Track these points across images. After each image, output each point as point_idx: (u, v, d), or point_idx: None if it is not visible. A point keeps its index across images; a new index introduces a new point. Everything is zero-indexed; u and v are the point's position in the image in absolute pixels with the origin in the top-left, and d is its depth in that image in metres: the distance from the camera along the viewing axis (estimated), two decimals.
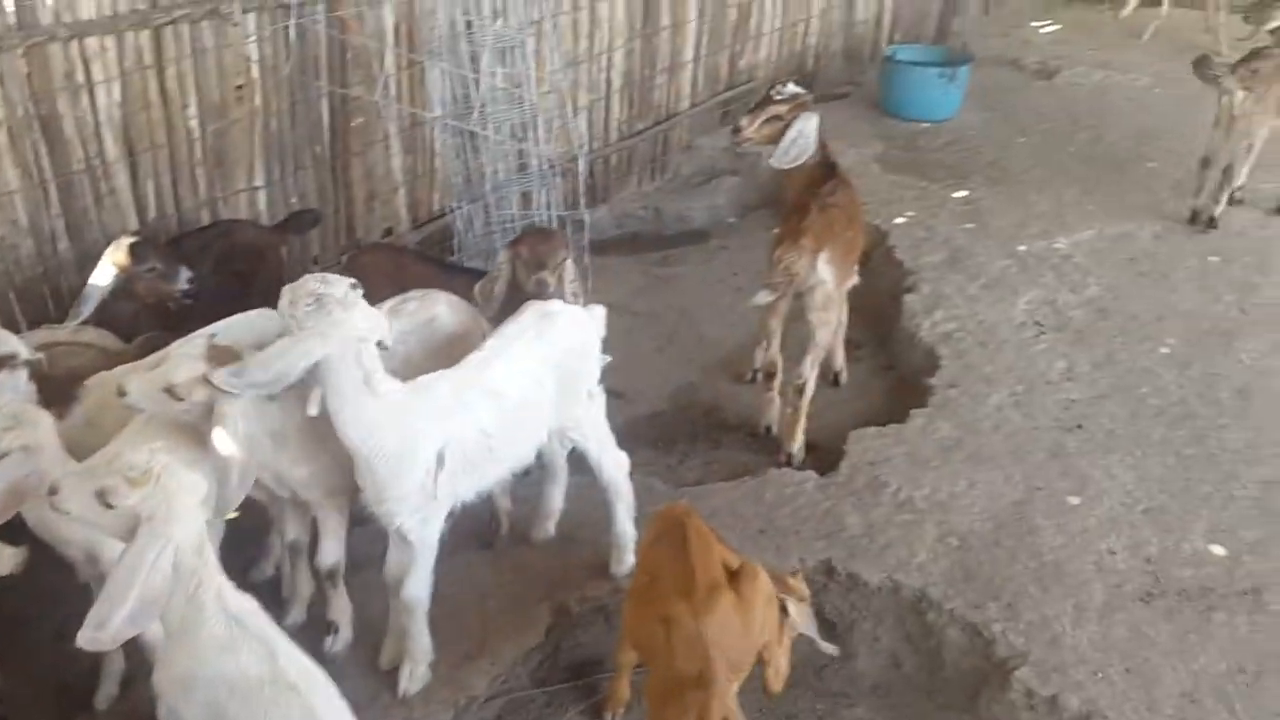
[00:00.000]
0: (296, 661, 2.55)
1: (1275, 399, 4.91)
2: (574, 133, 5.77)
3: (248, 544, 3.77)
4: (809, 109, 4.75)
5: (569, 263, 4.00)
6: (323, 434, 3.27)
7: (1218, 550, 4.07)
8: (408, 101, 5.42)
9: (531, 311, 3.55)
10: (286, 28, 4.71)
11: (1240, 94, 6.06)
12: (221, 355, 3.00)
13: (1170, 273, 5.96)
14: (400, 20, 5.23)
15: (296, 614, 3.72)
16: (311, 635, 3.37)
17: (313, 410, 3.05)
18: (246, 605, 2.55)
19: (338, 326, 2.94)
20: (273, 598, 3.66)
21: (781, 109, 4.76)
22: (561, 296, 3.83)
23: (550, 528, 4.10)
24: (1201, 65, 6.12)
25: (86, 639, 2.37)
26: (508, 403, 3.38)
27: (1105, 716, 3.41)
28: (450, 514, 3.47)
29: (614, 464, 3.85)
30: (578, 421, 3.68)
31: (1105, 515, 4.22)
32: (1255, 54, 6.18)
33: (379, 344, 3.07)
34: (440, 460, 3.21)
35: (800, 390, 4.66)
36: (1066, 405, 4.86)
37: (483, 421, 3.32)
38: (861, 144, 7.53)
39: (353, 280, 3.07)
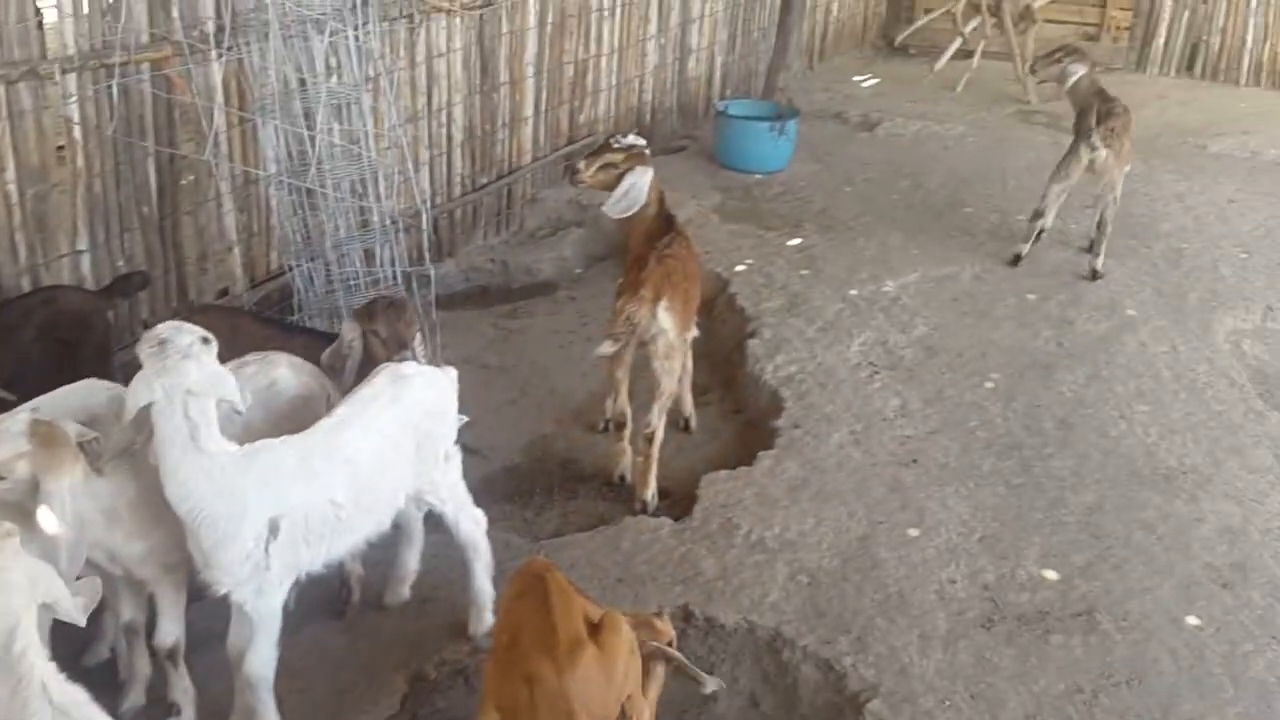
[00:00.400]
0: None
1: (1094, 428, 5.24)
2: (416, 188, 5.74)
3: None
4: (645, 162, 4.86)
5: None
6: (157, 508, 3.14)
7: (1050, 575, 4.30)
8: (240, 159, 5.29)
9: (385, 375, 3.50)
10: (109, 88, 4.55)
11: (1104, 152, 6.54)
12: (44, 431, 2.87)
13: (991, 311, 6.31)
14: (230, 77, 5.11)
15: (135, 697, 3.52)
16: (152, 718, 3.21)
17: (152, 458, 2.97)
18: (74, 696, 2.42)
19: (167, 374, 2.89)
20: (109, 681, 3.47)
21: (617, 158, 4.87)
22: (415, 358, 3.79)
23: (405, 591, 4.01)
24: (1082, 128, 6.66)
25: None
26: (361, 472, 3.30)
27: None
28: (296, 583, 3.37)
29: (471, 522, 3.81)
30: (435, 484, 3.63)
31: (944, 545, 4.41)
32: (1109, 114, 6.63)
33: (234, 409, 3.03)
34: (274, 529, 3.11)
35: (650, 439, 4.72)
36: (902, 441, 5.07)
37: (332, 491, 3.24)
38: (700, 195, 7.74)
39: (205, 334, 3.02)
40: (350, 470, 3.28)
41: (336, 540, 3.33)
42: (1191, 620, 4.07)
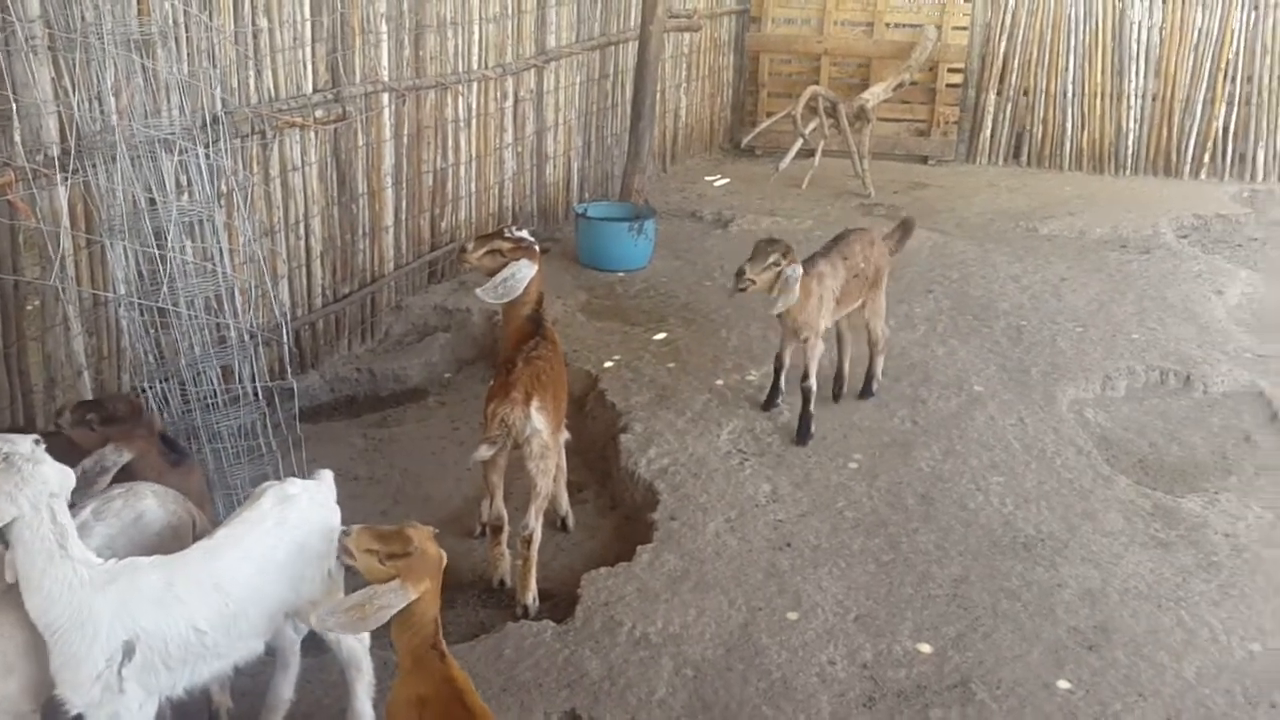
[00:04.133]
0: None
1: (954, 500, 5.44)
2: (275, 301, 5.66)
3: None
4: (531, 257, 5.00)
5: None
6: (7, 655, 2.98)
7: (925, 648, 4.40)
8: (89, 282, 5.14)
9: (271, 495, 3.43)
10: None
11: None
12: None
13: (848, 394, 6.53)
14: (76, 200, 4.99)
15: None
16: None
17: (9, 577, 2.87)
18: None
19: (28, 484, 2.82)
20: None
21: (505, 245, 5.03)
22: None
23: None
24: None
25: None
26: (233, 599, 3.21)
27: None
28: (161, 714, 3.21)
29: (355, 639, 3.68)
30: (315, 603, 3.50)
31: (821, 627, 4.49)
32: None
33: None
34: (129, 652, 2.99)
35: (529, 541, 4.69)
36: (775, 525, 5.17)
37: (196, 618, 3.13)
38: (566, 295, 7.85)
39: (36, 436, 2.95)
40: (220, 598, 3.18)
41: (201, 666, 3.21)
42: (1062, 684, 4.22)
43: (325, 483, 3.66)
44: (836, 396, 6.43)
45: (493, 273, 4.97)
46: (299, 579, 3.40)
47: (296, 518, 3.41)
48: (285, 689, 3.83)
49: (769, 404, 6.26)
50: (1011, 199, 11.17)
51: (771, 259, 5.62)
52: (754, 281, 5.63)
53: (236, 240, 5.33)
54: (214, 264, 4.79)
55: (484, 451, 4.62)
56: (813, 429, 5.96)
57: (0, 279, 4.70)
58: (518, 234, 5.10)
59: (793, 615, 4.55)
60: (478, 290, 4.99)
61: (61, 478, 2.93)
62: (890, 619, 4.56)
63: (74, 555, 2.92)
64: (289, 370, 5.06)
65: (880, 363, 6.56)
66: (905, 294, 8.09)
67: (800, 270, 5.66)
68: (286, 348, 5.08)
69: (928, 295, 8.16)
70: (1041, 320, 7.79)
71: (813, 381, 5.98)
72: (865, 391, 6.51)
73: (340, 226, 6.84)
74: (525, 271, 4.94)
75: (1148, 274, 8.92)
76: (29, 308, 4.97)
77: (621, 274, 8.43)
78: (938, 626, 4.52)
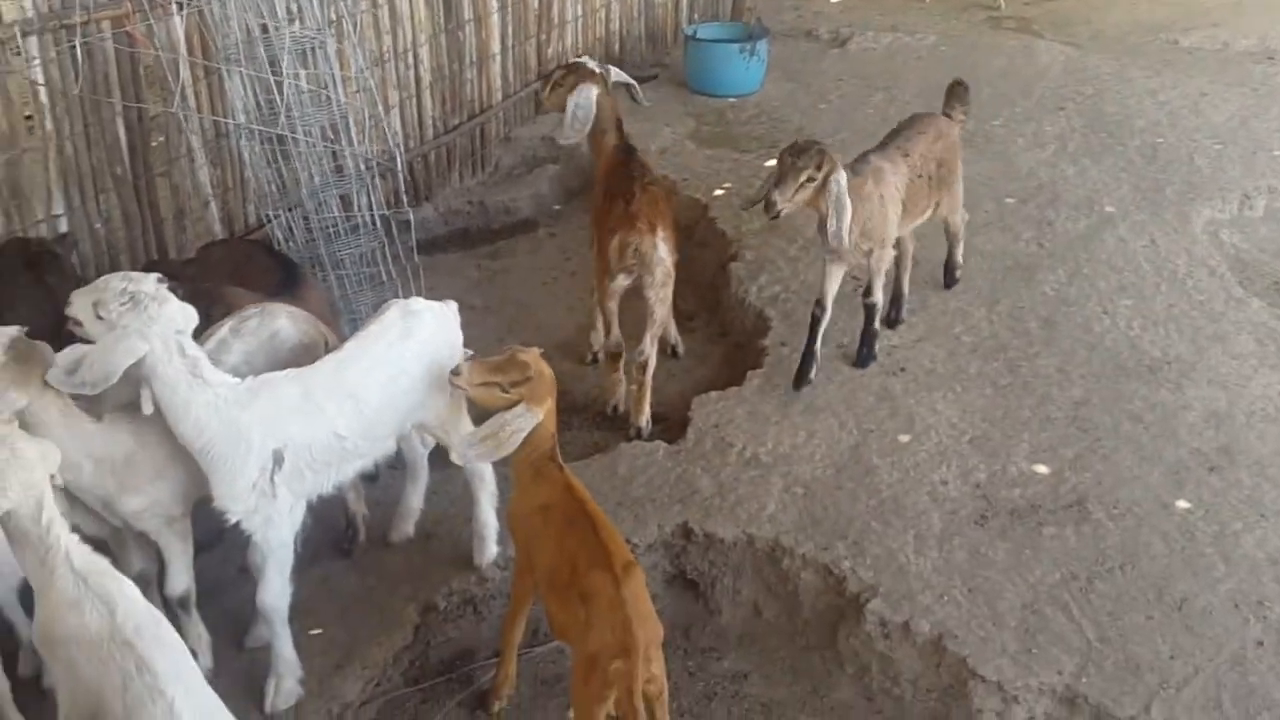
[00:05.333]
0: (135, 617, 2.59)
1: (1078, 324, 5.29)
2: (389, 131, 5.69)
3: None
4: (586, 80, 4.85)
5: None
6: (156, 463, 3.18)
7: (1041, 469, 4.37)
8: (209, 112, 5.25)
9: (395, 309, 3.54)
10: (73, 47, 4.49)
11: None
12: (22, 349, 2.97)
13: (971, 216, 6.30)
14: (192, 31, 5.05)
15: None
16: None
17: (147, 409, 3.03)
18: (95, 564, 2.63)
19: (155, 322, 2.95)
20: None
21: (560, 74, 4.95)
22: None
23: (409, 528, 4.07)
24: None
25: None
26: (366, 406, 3.35)
27: (955, 635, 3.63)
28: (304, 525, 3.43)
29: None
30: (441, 417, 3.65)
31: (934, 449, 4.48)
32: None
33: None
34: (278, 460, 3.18)
35: (644, 366, 4.75)
36: (889, 351, 5.11)
37: (337, 425, 3.30)
38: (674, 122, 7.70)
39: (159, 275, 3.08)
40: (354, 404, 3.33)
41: (343, 466, 3.41)
42: (1181, 504, 4.16)
43: (449, 307, 3.75)
44: (891, 322, 5.33)
45: (562, 108, 4.88)
46: (426, 389, 3.53)
47: (422, 332, 3.52)
48: (415, 499, 4.05)
49: (800, 381, 4.87)
50: (1151, 9, 10.40)
51: (804, 175, 4.38)
52: (786, 209, 4.44)
53: (349, 68, 5.34)
54: (327, 92, 4.82)
55: (622, 282, 4.65)
56: (875, 350, 5.02)
57: (127, 111, 4.83)
58: (573, 61, 4.97)
59: (904, 438, 4.55)
60: (556, 136, 4.90)
61: (186, 314, 3.05)
62: (1006, 441, 4.52)
63: (212, 381, 3.06)
64: (404, 201, 5.13)
65: (960, 249, 5.61)
66: (1035, 111, 7.71)
67: (845, 176, 4.46)
68: (401, 177, 5.13)
69: (1059, 113, 7.75)
70: (1179, 137, 7.35)
71: (878, 296, 4.94)
72: (949, 282, 5.62)
73: (448, 55, 6.78)
74: (586, 94, 4.80)
75: None
76: (154, 144, 5.12)
77: (732, 99, 8.20)
78: (1055, 448, 4.47)
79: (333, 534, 4.01)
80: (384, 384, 3.40)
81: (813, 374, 4.86)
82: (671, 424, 4.87)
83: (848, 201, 4.43)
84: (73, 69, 4.55)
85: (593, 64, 5.01)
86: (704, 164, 7.10)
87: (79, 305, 3.03)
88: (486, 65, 7.17)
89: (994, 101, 7.90)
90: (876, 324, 5.00)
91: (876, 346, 5.03)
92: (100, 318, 2.96)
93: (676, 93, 8.33)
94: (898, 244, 5.08)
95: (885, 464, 4.39)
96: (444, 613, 3.85)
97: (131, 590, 2.65)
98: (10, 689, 3.20)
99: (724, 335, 5.68)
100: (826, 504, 4.19)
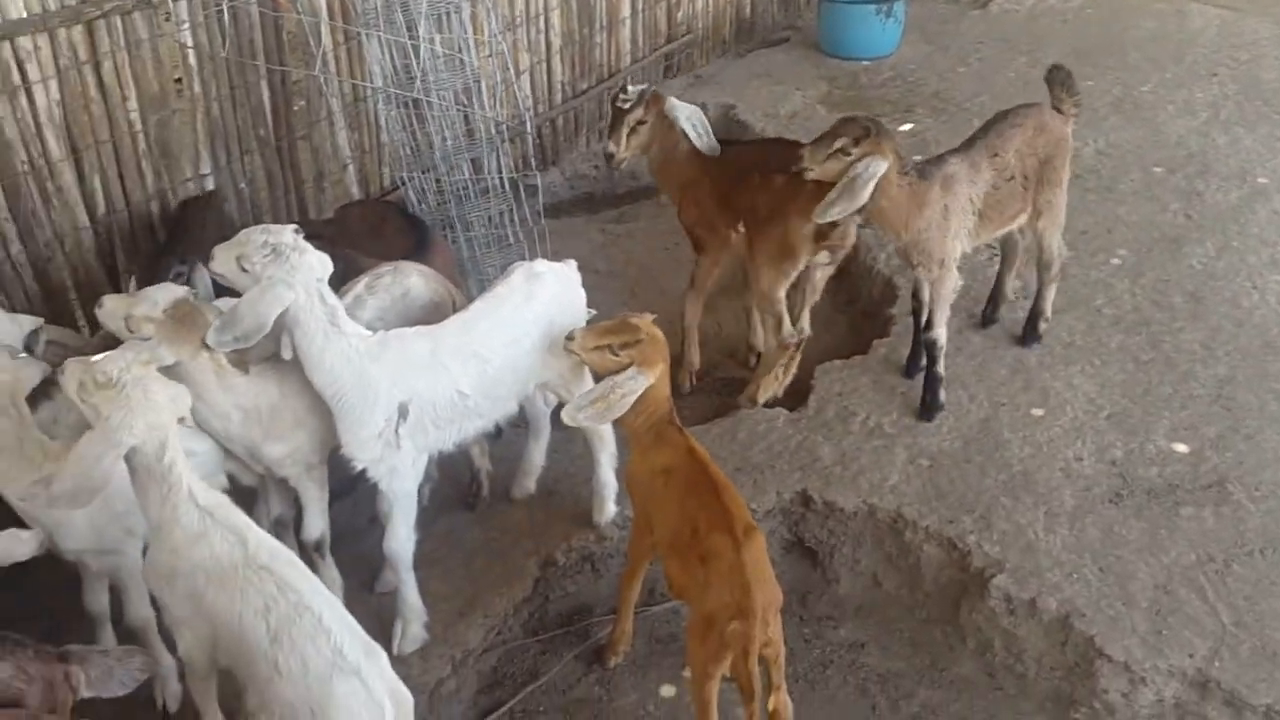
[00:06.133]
0: (267, 544, 2.76)
1: (1226, 299, 5.04)
2: (519, 96, 5.75)
3: None
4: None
5: None
6: (297, 412, 3.31)
7: (1181, 448, 4.20)
8: (348, 76, 5.40)
9: (520, 272, 3.60)
10: (220, 11, 4.67)
11: None
12: (183, 310, 3.10)
13: (1116, 186, 6.05)
14: None
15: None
16: None
17: (286, 354, 3.16)
18: (219, 499, 2.81)
19: (298, 270, 3.07)
20: None
21: (634, 115, 4.67)
22: None
23: (531, 484, 4.15)
24: None
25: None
26: (490, 366, 3.43)
27: (1083, 614, 3.53)
28: (429, 477, 3.52)
29: None
30: (563, 377, 3.70)
31: (1070, 424, 4.33)
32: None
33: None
34: (403, 413, 3.27)
35: (800, 345, 4.66)
36: (1024, 321, 4.95)
37: (460, 384, 3.38)
38: (805, 86, 7.56)
39: (295, 225, 3.19)
40: (479, 364, 3.40)
41: (465, 424, 3.48)
42: None
43: (571, 268, 3.79)
44: (986, 321, 4.94)
45: (645, 149, 4.73)
46: (547, 349, 3.57)
47: (544, 294, 3.57)
48: (538, 455, 4.12)
49: (912, 369, 4.62)
50: None
51: (839, 144, 3.94)
52: (812, 171, 4.03)
53: (482, 32, 5.41)
54: (462, 56, 4.90)
55: (822, 260, 4.59)
56: (942, 396, 4.42)
57: (270, 74, 5.00)
58: (633, 92, 4.70)
59: (1038, 411, 4.41)
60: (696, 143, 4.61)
61: (324, 262, 3.17)
62: (1145, 418, 4.34)
63: (347, 331, 3.18)
64: (533, 164, 5.19)
65: (1051, 294, 4.75)
66: (1185, 77, 7.32)
67: (880, 165, 3.89)
68: (530, 141, 5.19)
69: (1211, 79, 7.33)
70: None
71: (938, 330, 4.35)
72: (1028, 337, 4.77)
73: (579, 19, 6.80)
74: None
75: None
76: (295, 107, 5.29)
77: (866, 62, 8.00)
78: (1196, 426, 4.28)
79: (458, 488, 4.12)
80: (507, 345, 3.46)
81: (923, 363, 4.51)
82: (792, 391, 4.82)
83: (865, 194, 3.90)
84: (220, 33, 4.73)
85: (635, 89, 4.77)
86: None
87: (222, 260, 3.15)
88: (616, 29, 7.17)
89: (1142, 66, 7.53)
90: (940, 366, 4.38)
91: (942, 395, 4.40)
92: (245, 270, 3.09)
93: (808, 55, 8.17)
94: (1005, 241, 4.75)
95: (1016, 438, 4.27)
96: (563, 568, 3.92)
97: (254, 524, 2.82)
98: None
99: (850, 303, 5.58)
100: (953, 477, 4.10)
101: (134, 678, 2.53)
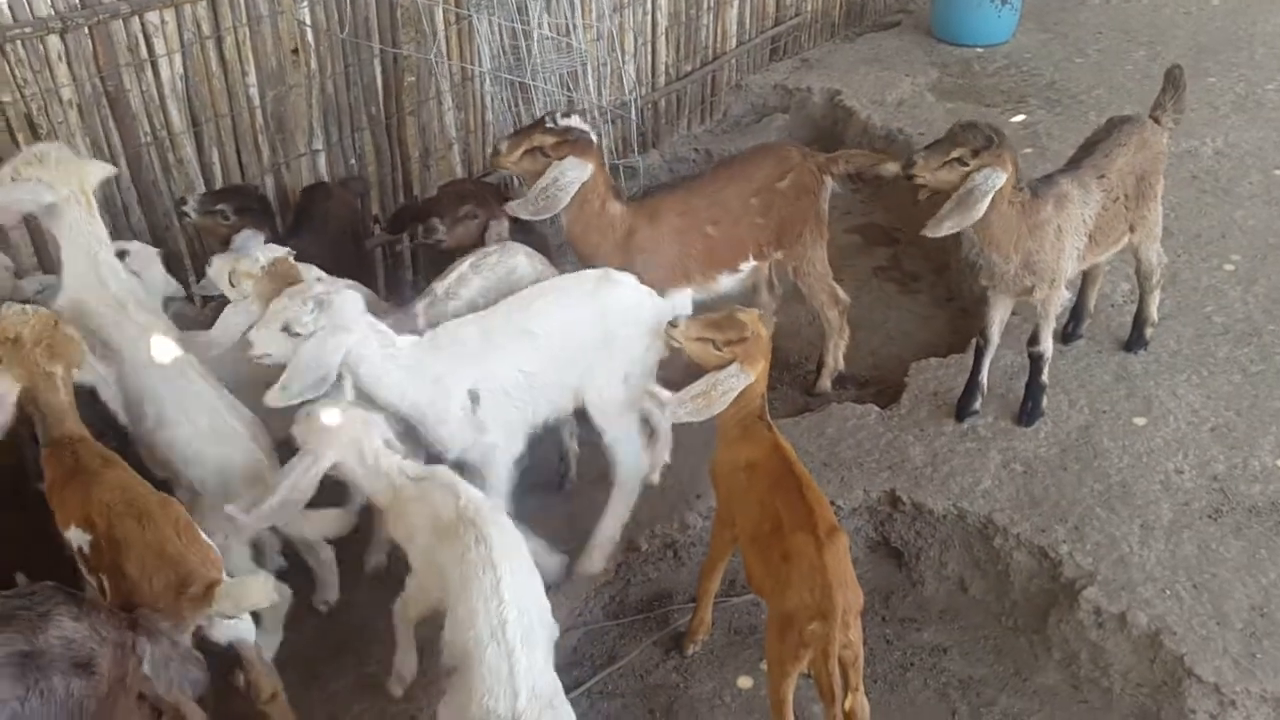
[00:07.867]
0: (475, 500, 3.03)
1: None
2: (626, 77, 5.77)
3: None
4: (581, 154, 3.82)
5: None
6: None
7: None
8: (457, 57, 5.48)
9: (599, 272, 3.68)
10: None
11: None
12: (282, 269, 3.34)
13: (1233, 188, 5.83)
14: None
15: (377, 559, 3.88)
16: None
17: (349, 395, 3.27)
18: (427, 468, 3.17)
19: (344, 312, 3.19)
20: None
21: (548, 141, 3.84)
22: None
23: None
24: None
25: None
26: (542, 342, 3.49)
27: (1174, 631, 3.45)
28: (519, 460, 3.60)
29: (624, 456, 3.76)
30: (602, 397, 3.65)
31: (1172, 435, 4.22)
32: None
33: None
34: (474, 398, 3.38)
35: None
36: (1131, 326, 4.82)
37: (519, 361, 3.47)
38: (915, 73, 7.43)
39: (315, 273, 3.52)
40: (530, 341, 3.48)
41: (539, 402, 3.56)
42: None
43: (680, 299, 3.87)
44: (1067, 337, 4.77)
45: (535, 177, 3.86)
46: (595, 358, 3.59)
47: (609, 301, 3.61)
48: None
49: (963, 412, 4.38)
50: None
51: (955, 153, 3.74)
52: (923, 179, 3.83)
53: (590, 15, 5.44)
54: (569, 39, 4.94)
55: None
56: (1044, 404, 4.35)
57: (383, 52, 5.10)
58: (563, 124, 3.88)
59: (1140, 420, 4.30)
60: (509, 206, 3.97)
61: (357, 295, 3.31)
62: (1250, 432, 4.20)
63: (400, 346, 3.31)
64: (635, 148, 5.21)
65: (1155, 299, 4.64)
66: None
67: (999, 178, 3.70)
68: (634, 124, 5.21)
69: None
70: None
71: (1045, 345, 4.24)
72: (1134, 343, 4.68)
73: (685, 1, 6.78)
74: (573, 174, 3.80)
75: None
76: (406, 83, 5.39)
77: (980, 49, 7.82)
78: None
79: (546, 470, 4.19)
80: (560, 328, 3.52)
81: (977, 405, 4.37)
82: (885, 388, 4.79)
83: (980, 209, 3.73)
84: (336, 11, 4.85)
85: (580, 126, 3.94)
86: (944, 118, 6.80)
87: (263, 339, 3.19)
88: (723, 11, 7.13)
89: (1268, 64, 7.22)
90: (1044, 376, 4.29)
91: (1044, 403, 4.33)
92: (297, 334, 3.15)
93: (920, 41, 8.02)
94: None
95: (1116, 447, 4.17)
96: (645, 554, 3.97)
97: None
98: None
99: (950, 300, 5.50)
100: (1048, 484, 4.03)
101: (183, 683, 2.54)
